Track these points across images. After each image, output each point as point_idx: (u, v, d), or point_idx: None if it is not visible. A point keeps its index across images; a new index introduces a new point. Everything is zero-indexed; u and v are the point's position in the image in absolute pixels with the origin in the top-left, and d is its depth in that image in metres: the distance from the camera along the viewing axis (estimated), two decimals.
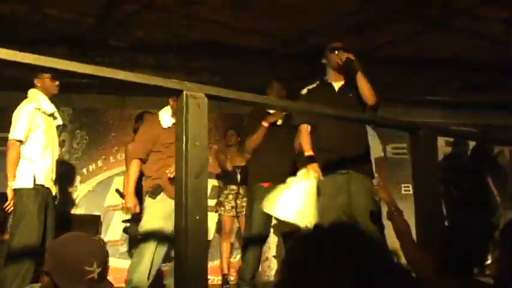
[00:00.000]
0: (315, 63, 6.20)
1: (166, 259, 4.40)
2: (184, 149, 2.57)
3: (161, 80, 2.83)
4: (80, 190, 6.47)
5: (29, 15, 5.83)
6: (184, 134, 2.58)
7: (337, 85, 4.28)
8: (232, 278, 5.95)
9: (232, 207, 5.77)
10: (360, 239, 1.59)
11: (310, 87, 4.33)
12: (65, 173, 5.97)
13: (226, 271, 5.80)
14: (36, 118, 4.46)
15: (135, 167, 4.48)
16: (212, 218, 6.32)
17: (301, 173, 3.88)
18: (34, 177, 4.30)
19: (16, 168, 4.31)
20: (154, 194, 4.33)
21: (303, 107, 3.68)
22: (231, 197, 5.79)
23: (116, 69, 6.36)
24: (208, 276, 6.30)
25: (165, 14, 5.77)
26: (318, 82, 4.35)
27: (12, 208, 4.25)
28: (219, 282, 6.02)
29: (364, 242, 1.56)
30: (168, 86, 2.71)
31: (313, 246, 1.60)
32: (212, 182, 6.40)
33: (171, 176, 4.05)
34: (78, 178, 6.53)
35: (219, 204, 5.90)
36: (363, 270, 1.39)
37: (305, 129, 4.16)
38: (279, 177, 4.10)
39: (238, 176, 5.75)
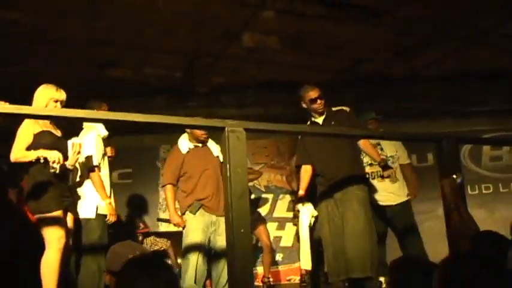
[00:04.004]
0: (368, 88, 6.20)
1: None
2: (228, 175, 2.69)
3: (207, 121, 3.00)
4: None
5: (133, 76, 6.25)
6: (228, 162, 2.70)
7: (320, 120, 4.26)
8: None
9: None
10: None
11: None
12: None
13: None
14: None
15: (169, 191, 4.53)
16: (291, 228, 6.39)
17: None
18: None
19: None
20: (193, 210, 4.41)
21: (333, 130, 3.70)
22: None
23: (203, 110, 6.61)
24: (290, 276, 6.35)
25: (238, 61, 5.99)
26: (307, 124, 4.36)
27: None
28: (298, 281, 6.03)
29: None
30: (213, 124, 2.86)
31: None
32: (290, 198, 6.46)
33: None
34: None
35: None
36: None
37: (305, 169, 4.22)
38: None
39: None
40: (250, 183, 5.95)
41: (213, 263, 4.43)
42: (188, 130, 4.50)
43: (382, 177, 4.22)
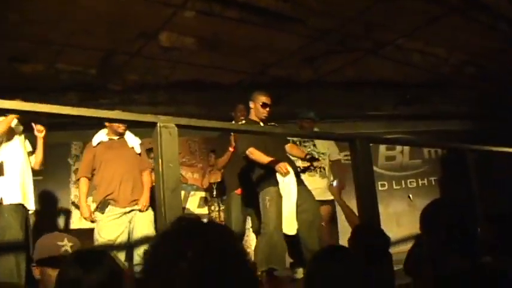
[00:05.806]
0: (275, 91, 6.28)
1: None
2: (160, 170, 2.58)
3: (139, 116, 2.86)
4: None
5: (45, 71, 5.85)
6: (160, 157, 2.59)
7: (261, 123, 4.29)
8: None
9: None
10: None
11: (240, 123, 4.42)
12: None
13: None
14: None
15: (82, 184, 4.36)
16: None
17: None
18: None
19: None
20: (103, 208, 4.21)
21: (258, 128, 3.72)
22: (213, 207, 5.79)
23: (116, 107, 6.36)
24: None
25: (152, 60, 5.81)
26: (245, 121, 4.39)
27: None
28: None
29: None
30: (145, 119, 2.73)
31: None
32: (200, 194, 6.37)
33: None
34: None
35: (209, 212, 5.86)
36: None
37: (254, 150, 4.12)
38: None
39: (214, 191, 5.78)
40: None
41: (135, 249, 4.12)
42: (107, 123, 4.31)
43: (315, 168, 4.26)
